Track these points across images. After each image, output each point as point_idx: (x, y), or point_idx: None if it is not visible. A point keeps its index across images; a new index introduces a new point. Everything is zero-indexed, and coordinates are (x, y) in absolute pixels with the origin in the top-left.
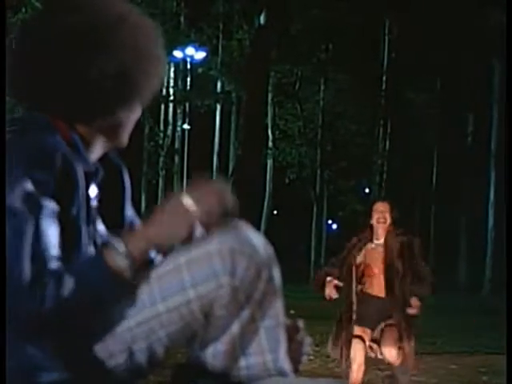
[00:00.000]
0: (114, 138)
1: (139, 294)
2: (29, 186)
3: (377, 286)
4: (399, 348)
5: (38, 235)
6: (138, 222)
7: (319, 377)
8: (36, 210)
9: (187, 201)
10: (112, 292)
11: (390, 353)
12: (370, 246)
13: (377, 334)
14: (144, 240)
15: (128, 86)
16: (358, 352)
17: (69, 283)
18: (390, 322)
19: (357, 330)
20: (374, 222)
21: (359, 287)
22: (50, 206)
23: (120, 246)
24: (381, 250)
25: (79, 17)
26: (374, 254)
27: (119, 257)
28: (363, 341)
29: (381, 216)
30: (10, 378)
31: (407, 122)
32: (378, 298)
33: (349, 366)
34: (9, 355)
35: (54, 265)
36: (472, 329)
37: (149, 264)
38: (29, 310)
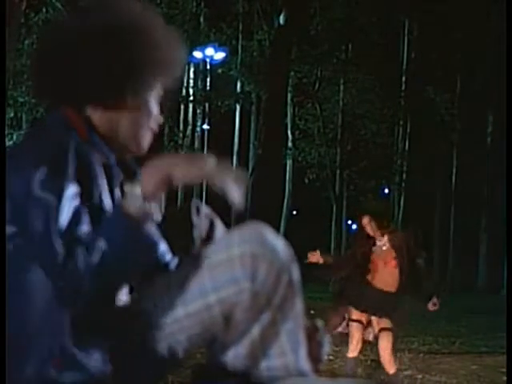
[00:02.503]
0: (131, 139)
1: (160, 298)
2: (49, 176)
3: (381, 281)
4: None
5: (63, 216)
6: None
7: (339, 377)
8: (59, 195)
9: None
10: (135, 237)
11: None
12: (375, 245)
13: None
14: (157, 178)
15: (144, 70)
16: (356, 330)
17: (97, 247)
18: (384, 325)
19: (355, 315)
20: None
21: (365, 280)
22: (71, 190)
23: (136, 189)
24: (384, 247)
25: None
26: (378, 251)
27: (135, 199)
28: (361, 323)
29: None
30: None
31: (427, 122)
32: (380, 290)
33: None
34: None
35: (80, 239)
36: (492, 329)
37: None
38: (67, 285)
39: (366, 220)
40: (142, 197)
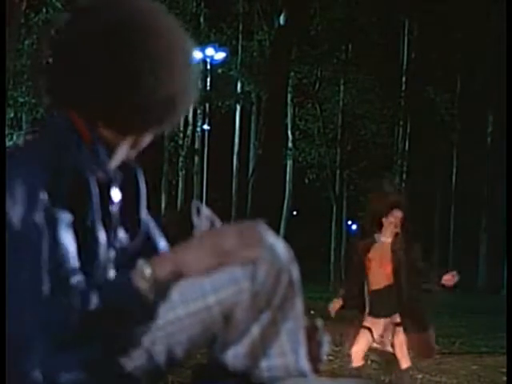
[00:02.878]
0: (131, 152)
1: (160, 298)
2: (40, 197)
3: (385, 277)
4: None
5: (53, 247)
6: (153, 225)
7: (339, 377)
8: (49, 222)
9: (227, 240)
10: (134, 309)
11: (402, 352)
12: (378, 243)
13: (387, 329)
14: (171, 265)
15: (170, 109)
16: (362, 338)
17: (93, 300)
18: (398, 320)
19: (367, 322)
20: (386, 222)
21: (370, 280)
22: (64, 216)
23: (147, 269)
24: (388, 246)
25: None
26: (382, 249)
27: (145, 280)
28: (370, 332)
29: (396, 222)
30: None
31: (427, 122)
32: (386, 287)
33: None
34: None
35: (75, 278)
36: (492, 329)
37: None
38: (52, 320)
39: (403, 214)
40: (152, 280)
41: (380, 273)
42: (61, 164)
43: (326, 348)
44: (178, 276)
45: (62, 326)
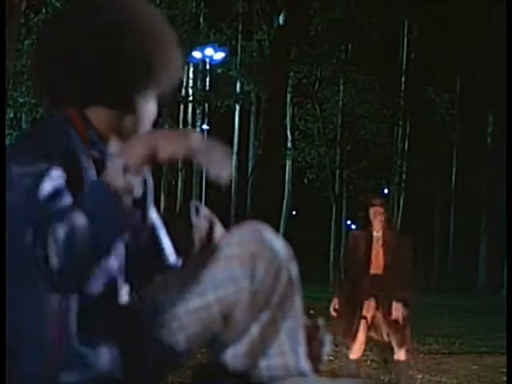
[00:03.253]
0: (131, 133)
1: (159, 296)
2: (35, 158)
3: (378, 268)
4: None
5: (41, 191)
6: (161, 223)
7: (339, 377)
8: (41, 173)
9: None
10: (117, 209)
11: (396, 336)
12: (371, 236)
13: (380, 316)
14: (140, 149)
15: (146, 70)
16: (362, 330)
17: (76, 217)
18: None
19: (363, 310)
20: (371, 216)
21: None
22: (56, 172)
23: (117, 160)
24: (380, 239)
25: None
26: (375, 242)
27: (117, 171)
28: (366, 321)
29: (377, 210)
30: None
31: (427, 122)
32: (378, 275)
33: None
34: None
35: (60, 210)
36: (492, 329)
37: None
38: (42, 254)
39: (379, 201)
40: (123, 168)
41: (370, 261)
42: (57, 155)
43: (327, 348)
44: (147, 160)
45: (51, 264)
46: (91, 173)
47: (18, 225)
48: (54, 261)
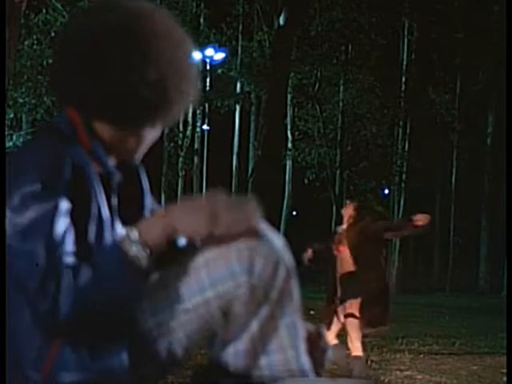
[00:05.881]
0: (131, 151)
1: (158, 294)
2: (40, 188)
3: (345, 262)
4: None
5: (51, 232)
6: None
7: (339, 377)
8: (48, 210)
9: (223, 209)
10: (129, 282)
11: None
12: (339, 230)
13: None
14: (159, 227)
15: (162, 97)
16: (352, 327)
17: (84, 274)
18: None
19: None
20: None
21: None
22: (63, 205)
23: (134, 234)
24: (344, 233)
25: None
26: (341, 236)
27: (134, 245)
28: (355, 318)
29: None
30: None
31: (427, 123)
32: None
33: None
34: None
35: (68, 259)
36: (492, 329)
37: (174, 252)
38: (45, 307)
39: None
40: (139, 244)
41: (340, 258)
42: (60, 159)
43: (329, 355)
44: (167, 238)
45: (55, 311)
46: (98, 190)
47: (18, 265)
48: (63, 309)
